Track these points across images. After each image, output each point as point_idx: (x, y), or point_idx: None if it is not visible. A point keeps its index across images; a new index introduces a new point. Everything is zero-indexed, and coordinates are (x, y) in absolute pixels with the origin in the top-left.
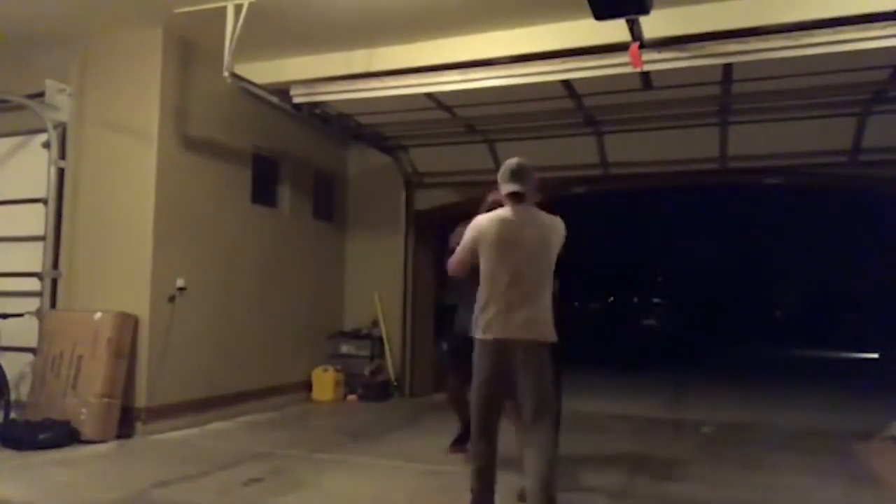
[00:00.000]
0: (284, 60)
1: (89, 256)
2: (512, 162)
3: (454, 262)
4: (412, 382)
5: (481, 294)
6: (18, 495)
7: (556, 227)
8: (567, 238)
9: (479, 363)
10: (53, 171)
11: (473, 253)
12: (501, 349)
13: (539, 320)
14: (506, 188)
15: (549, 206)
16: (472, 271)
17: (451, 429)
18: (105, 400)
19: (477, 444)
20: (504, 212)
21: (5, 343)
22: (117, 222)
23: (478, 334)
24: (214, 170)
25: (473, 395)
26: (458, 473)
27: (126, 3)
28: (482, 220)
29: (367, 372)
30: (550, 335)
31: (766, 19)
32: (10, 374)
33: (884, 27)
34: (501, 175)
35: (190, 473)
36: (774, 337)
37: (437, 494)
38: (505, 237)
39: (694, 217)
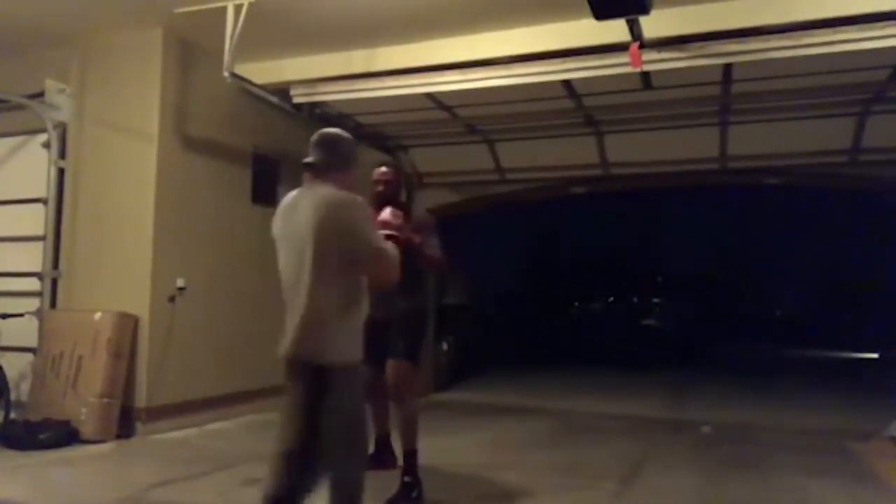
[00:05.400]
0: (284, 60)
1: (89, 256)
2: (318, 132)
3: None
4: None
5: None
6: (18, 495)
7: (326, 206)
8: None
9: None
10: (53, 171)
11: None
12: (285, 372)
13: (303, 332)
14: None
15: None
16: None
17: (451, 429)
18: (105, 400)
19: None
20: (292, 193)
21: (5, 343)
22: (117, 222)
23: None
24: (214, 170)
25: None
26: (456, 474)
27: (126, 3)
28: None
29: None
30: (318, 354)
31: (766, 19)
32: (10, 374)
33: (883, 27)
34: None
35: (190, 473)
36: (774, 337)
37: (435, 494)
38: (280, 225)
39: (694, 217)
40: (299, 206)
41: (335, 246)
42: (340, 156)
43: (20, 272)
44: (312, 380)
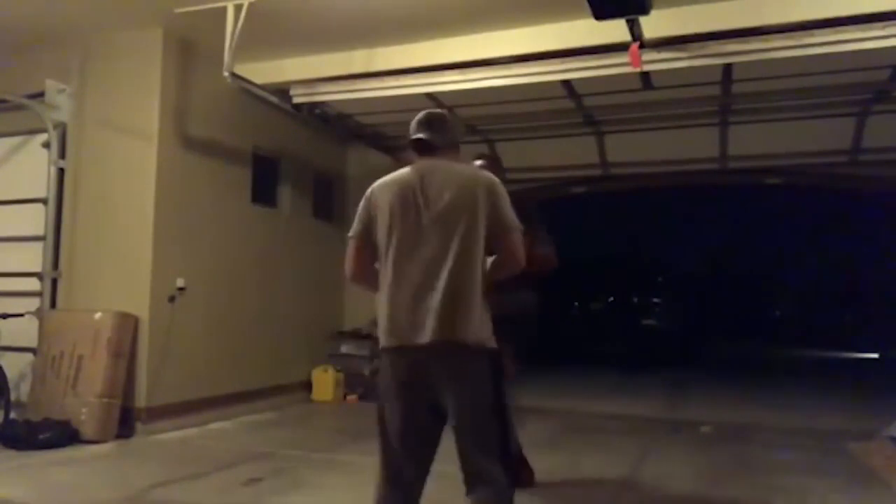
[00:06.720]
0: (284, 60)
1: (89, 256)
2: (424, 111)
3: (348, 261)
4: None
5: (380, 283)
6: (18, 495)
7: (480, 180)
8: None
9: (382, 384)
10: (53, 171)
11: (369, 233)
12: (410, 361)
13: (460, 315)
14: (412, 137)
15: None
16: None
17: (450, 429)
18: (105, 400)
19: (385, 493)
20: (405, 169)
21: (5, 343)
22: (117, 222)
23: (381, 341)
24: (214, 170)
25: (379, 430)
26: (456, 474)
27: (126, 4)
28: (375, 185)
29: (367, 372)
30: (481, 335)
31: (766, 19)
32: (10, 374)
33: (884, 27)
34: (410, 127)
35: (190, 473)
36: (774, 337)
37: (436, 495)
38: (404, 200)
39: (694, 217)
40: (440, 178)
41: (486, 223)
42: (451, 135)
43: (20, 272)
44: (487, 363)
